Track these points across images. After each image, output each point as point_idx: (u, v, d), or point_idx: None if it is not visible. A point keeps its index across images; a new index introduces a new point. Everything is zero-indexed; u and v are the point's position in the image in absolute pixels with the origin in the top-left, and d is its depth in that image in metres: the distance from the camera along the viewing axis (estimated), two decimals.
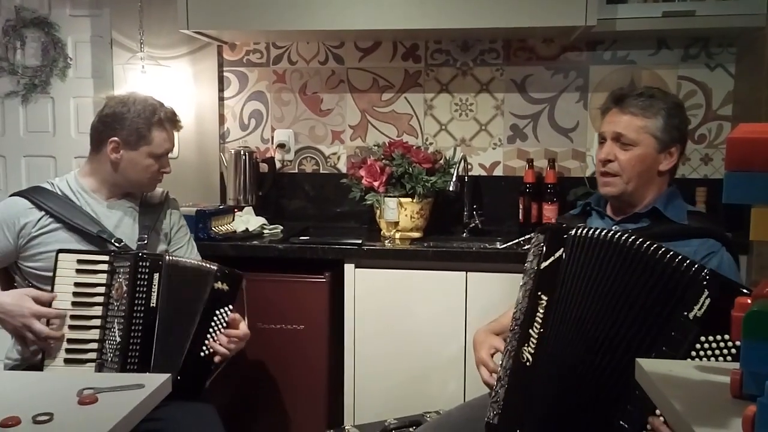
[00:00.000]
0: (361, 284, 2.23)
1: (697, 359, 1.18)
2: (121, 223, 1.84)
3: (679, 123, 1.63)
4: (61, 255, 1.65)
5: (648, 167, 1.62)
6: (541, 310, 1.42)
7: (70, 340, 1.63)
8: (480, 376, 1.64)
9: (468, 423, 1.58)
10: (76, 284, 1.65)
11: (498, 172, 2.68)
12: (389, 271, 2.22)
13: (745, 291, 1.20)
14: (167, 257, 1.73)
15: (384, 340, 2.23)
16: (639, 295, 1.30)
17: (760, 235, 0.84)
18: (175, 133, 1.89)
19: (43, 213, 1.74)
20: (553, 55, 2.61)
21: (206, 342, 1.72)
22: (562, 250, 1.43)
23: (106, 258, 1.68)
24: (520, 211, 2.56)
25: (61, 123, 2.94)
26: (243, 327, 1.79)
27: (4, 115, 2.98)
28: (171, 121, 1.85)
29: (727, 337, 1.17)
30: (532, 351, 1.42)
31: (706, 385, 0.97)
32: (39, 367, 1.64)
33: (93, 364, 1.63)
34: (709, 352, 1.19)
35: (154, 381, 1.16)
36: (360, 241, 2.26)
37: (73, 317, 1.64)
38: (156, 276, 1.68)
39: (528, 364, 1.42)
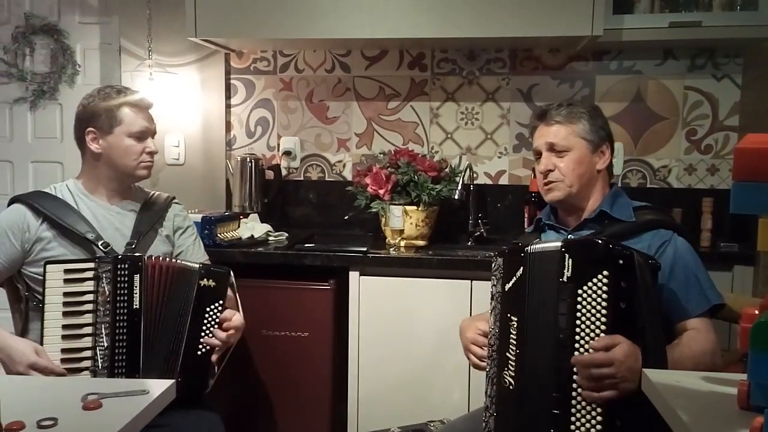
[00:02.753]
0: (366, 292, 2.23)
1: (582, 308, 1.34)
2: (123, 227, 1.84)
3: (602, 123, 1.70)
4: (48, 267, 1.66)
5: (586, 168, 1.67)
6: (514, 332, 1.45)
7: (65, 350, 1.64)
8: (470, 360, 1.64)
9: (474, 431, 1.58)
10: (65, 294, 1.65)
11: (503, 180, 2.68)
12: (394, 279, 2.22)
13: (598, 241, 1.36)
14: (146, 258, 1.72)
15: (388, 348, 2.23)
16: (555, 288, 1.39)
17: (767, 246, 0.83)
18: (150, 113, 1.88)
19: (41, 218, 1.75)
20: (560, 65, 2.62)
21: (201, 340, 1.72)
22: (521, 269, 1.46)
23: (91, 265, 1.69)
24: (525, 219, 2.55)
25: (69, 129, 2.89)
26: (237, 317, 1.79)
27: (13, 121, 3.00)
28: (137, 99, 1.84)
29: (594, 280, 1.33)
30: (513, 374, 1.43)
31: (713, 396, 0.96)
32: None
33: (88, 372, 1.64)
34: (590, 299, 1.34)
35: (159, 387, 1.16)
36: (365, 249, 2.26)
37: (65, 326, 1.65)
38: (136, 277, 1.68)
39: (511, 387, 1.43)
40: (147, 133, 1.85)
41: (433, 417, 2.06)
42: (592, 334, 1.33)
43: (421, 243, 2.43)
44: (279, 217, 2.71)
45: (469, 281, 2.18)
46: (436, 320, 2.20)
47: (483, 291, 2.15)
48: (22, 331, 1.82)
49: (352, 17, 2.31)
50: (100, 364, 1.64)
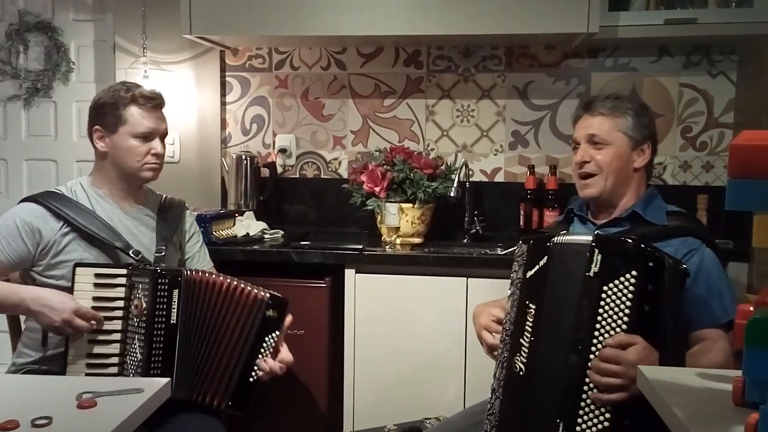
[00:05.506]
0: (362, 289, 2.23)
1: (605, 305, 1.33)
2: (138, 232, 1.81)
3: (647, 122, 1.68)
4: (78, 269, 1.64)
5: (623, 164, 1.65)
6: (530, 319, 1.44)
7: (90, 355, 1.62)
8: (482, 346, 1.63)
9: (470, 429, 1.58)
10: (95, 298, 1.63)
11: (499, 178, 2.68)
12: (390, 277, 2.22)
13: (629, 240, 1.37)
14: (186, 272, 1.70)
15: (384, 345, 2.23)
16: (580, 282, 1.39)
17: (763, 242, 0.83)
18: (162, 113, 1.83)
19: (62, 222, 1.71)
20: (555, 62, 2.62)
21: (255, 368, 1.70)
22: (545, 258, 1.45)
23: (123, 271, 1.66)
24: (521, 217, 2.56)
25: (63, 127, 2.95)
26: (289, 354, 1.77)
27: (7, 119, 2.99)
28: (146, 97, 1.78)
29: (622, 279, 1.32)
30: (525, 360, 1.43)
31: (708, 393, 0.96)
32: (54, 372, 1.64)
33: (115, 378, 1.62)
34: (615, 297, 1.33)
35: (153, 385, 1.16)
36: (361, 247, 2.25)
37: (93, 331, 1.62)
38: (175, 293, 1.66)
39: (521, 373, 1.43)
40: (154, 134, 1.79)
41: (429, 414, 2.06)
42: (611, 333, 1.32)
43: (417, 240, 2.43)
44: (274, 215, 2.70)
45: (465, 278, 2.18)
46: (432, 317, 2.20)
47: (479, 288, 2.16)
48: (15, 331, 1.81)
49: (347, 14, 2.30)
50: (131, 374, 1.61)
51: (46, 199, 1.73)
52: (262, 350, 1.71)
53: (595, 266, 1.36)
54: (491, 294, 2.13)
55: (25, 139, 2.99)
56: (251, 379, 1.70)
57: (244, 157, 2.65)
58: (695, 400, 0.94)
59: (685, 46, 2.53)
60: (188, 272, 1.70)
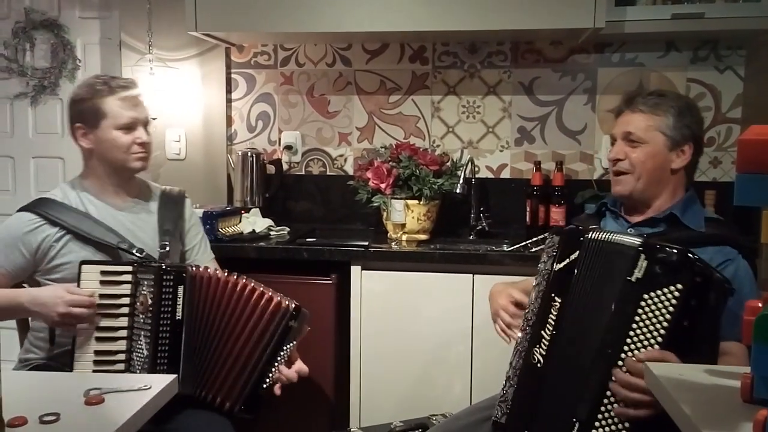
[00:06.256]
0: (368, 286, 2.23)
1: (643, 314, 1.28)
2: (135, 227, 1.81)
3: (690, 122, 1.61)
4: (84, 267, 1.64)
5: (659, 165, 1.60)
6: (554, 312, 1.42)
7: (97, 352, 1.62)
8: (495, 325, 1.61)
9: (477, 425, 1.58)
10: (101, 296, 1.63)
11: (505, 174, 2.67)
12: (396, 273, 2.22)
13: (673, 249, 1.29)
14: (191, 268, 1.70)
15: (390, 342, 2.23)
16: (616, 284, 1.34)
17: None
18: (140, 100, 1.80)
19: (55, 227, 1.71)
20: (561, 58, 2.61)
21: (269, 375, 1.71)
22: (577, 252, 1.42)
23: (129, 268, 1.66)
24: (527, 213, 2.55)
25: None
26: (302, 364, 1.78)
27: (14, 117, 3.00)
28: (123, 87, 1.76)
29: (666, 290, 1.26)
30: (544, 352, 1.41)
31: (716, 389, 0.96)
32: (61, 369, 1.64)
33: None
34: (654, 308, 1.27)
35: (160, 382, 1.16)
36: (367, 243, 2.25)
37: (99, 329, 1.63)
38: (180, 288, 1.66)
39: (539, 365, 1.41)
40: (136, 123, 1.78)
41: (435, 411, 2.06)
42: (645, 343, 1.28)
43: (422, 237, 2.43)
44: (280, 212, 2.71)
45: (471, 275, 2.17)
46: (438, 314, 2.20)
47: (485, 285, 2.15)
48: (23, 327, 1.82)
49: (353, 11, 2.30)
50: (138, 370, 1.62)
51: (37, 207, 1.74)
52: (279, 358, 1.72)
53: (639, 272, 1.30)
54: None
55: (32, 136, 3.00)
56: (264, 386, 1.70)
57: (249, 154, 2.65)
58: (704, 397, 0.93)
59: (693, 40, 2.51)
60: (193, 268, 1.71)
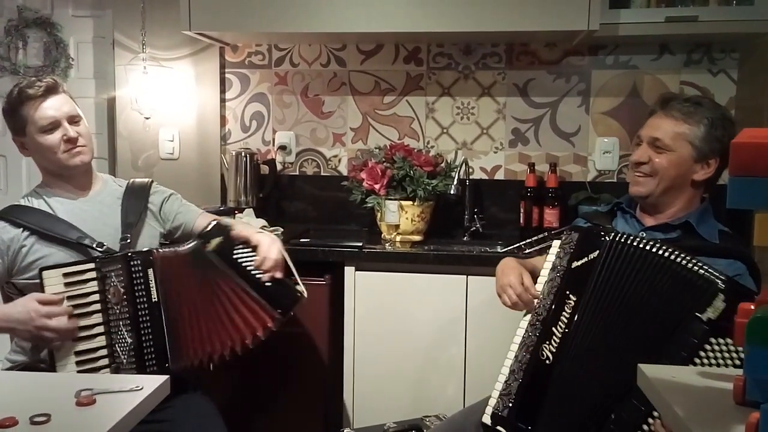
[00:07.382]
0: (362, 287, 2.23)
1: (704, 356, 1.21)
2: (101, 223, 1.79)
3: (721, 135, 1.57)
4: (45, 273, 1.62)
5: (682, 174, 1.59)
6: (568, 310, 1.41)
7: (78, 352, 1.61)
8: (501, 298, 1.60)
9: (473, 427, 1.57)
10: (69, 297, 1.62)
11: (499, 175, 2.67)
12: (390, 274, 2.22)
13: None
14: (155, 251, 1.71)
15: (384, 343, 2.23)
16: (666, 303, 1.31)
17: (764, 241, 0.83)
18: (59, 97, 1.75)
19: (19, 228, 1.70)
20: (556, 60, 2.61)
21: (257, 276, 1.74)
22: (597, 252, 1.42)
23: (91, 265, 1.65)
24: (521, 215, 2.55)
25: None
26: (260, 238, 1.78)
27: None
28: (33, 88, 1.72)
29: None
30: (554, 350, 1.40)
31: (709, 391, 0.96)
32: (49, 370, 1.63)
33: (108, 369, 1.62)
34: (718, 354, 1.21)
35: (153, 383, 1.15)
36: (360, 244, 2.25)
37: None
38: (150, 271, 1.68)
39: (548, 362, 1.40)
40: (58, 121, 1.73)
41: (429, 412, 2.06)
42: None
43: (416, 238, 2.43)
44: (274, 212, 2.70)
45: (465, 276, 2.18)
46: (431, 315, 2.20)
47: (478, 286, 2.16)
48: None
49: (347, 11, 2.30)
50: (125, 360, 1.62)
51: (3, 213, 1.74)
52: (250, 270, 1.73)
53: (713, 313, 1.24)
54: (491, 292, 2.13)
55: None
56: (268, 283, 1.73)
57: (243, 154, 2.64)
58: (696, 398, 0.93)
59: (686, 43, 2.52)
60: (158, 251, 1.72)
